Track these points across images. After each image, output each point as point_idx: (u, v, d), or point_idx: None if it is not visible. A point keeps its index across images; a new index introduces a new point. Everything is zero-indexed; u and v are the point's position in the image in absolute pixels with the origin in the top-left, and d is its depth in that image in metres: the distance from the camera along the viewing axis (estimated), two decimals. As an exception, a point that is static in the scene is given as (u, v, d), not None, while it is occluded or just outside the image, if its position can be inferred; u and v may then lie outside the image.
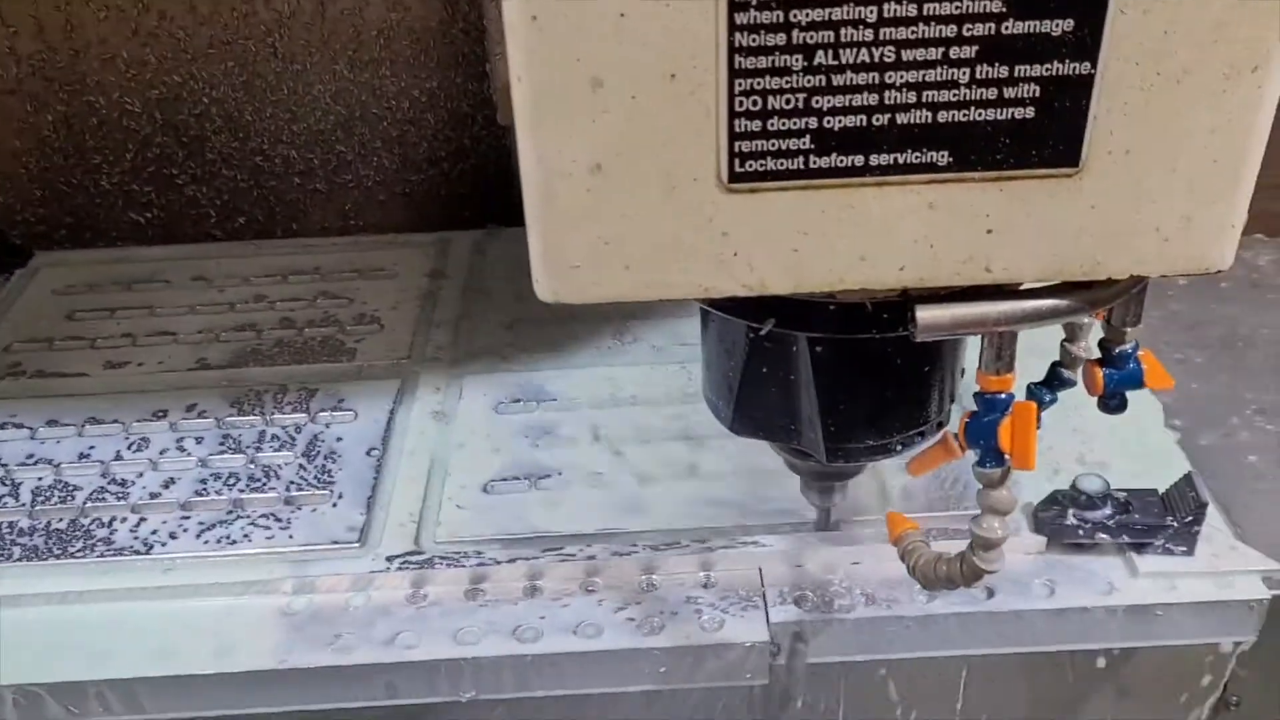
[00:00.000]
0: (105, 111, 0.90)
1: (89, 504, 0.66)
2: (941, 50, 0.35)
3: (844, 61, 0.35)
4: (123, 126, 0.91)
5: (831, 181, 0.37)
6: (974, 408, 0.44)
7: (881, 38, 0.35)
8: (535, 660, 0.56)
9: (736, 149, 0.36)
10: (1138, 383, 0.45)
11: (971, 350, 0.45)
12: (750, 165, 0.36)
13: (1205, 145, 0.36)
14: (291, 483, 0.67)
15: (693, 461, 0.67)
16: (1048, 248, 0.38)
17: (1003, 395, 0.43)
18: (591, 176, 0.37)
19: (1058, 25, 0.34)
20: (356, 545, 0.62)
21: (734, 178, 0.37)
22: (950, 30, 0.34)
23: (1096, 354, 0.46)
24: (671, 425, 0.70)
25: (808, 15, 0.34)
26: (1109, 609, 0.57)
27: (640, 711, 0.59)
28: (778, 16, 0.34)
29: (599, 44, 0.34)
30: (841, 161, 0.37)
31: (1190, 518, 0.58)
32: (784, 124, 0.36)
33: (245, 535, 0.63)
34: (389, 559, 0.61)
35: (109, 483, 0.67)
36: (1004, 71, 0.35)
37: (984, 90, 0.35)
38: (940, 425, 0.50)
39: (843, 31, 0.35)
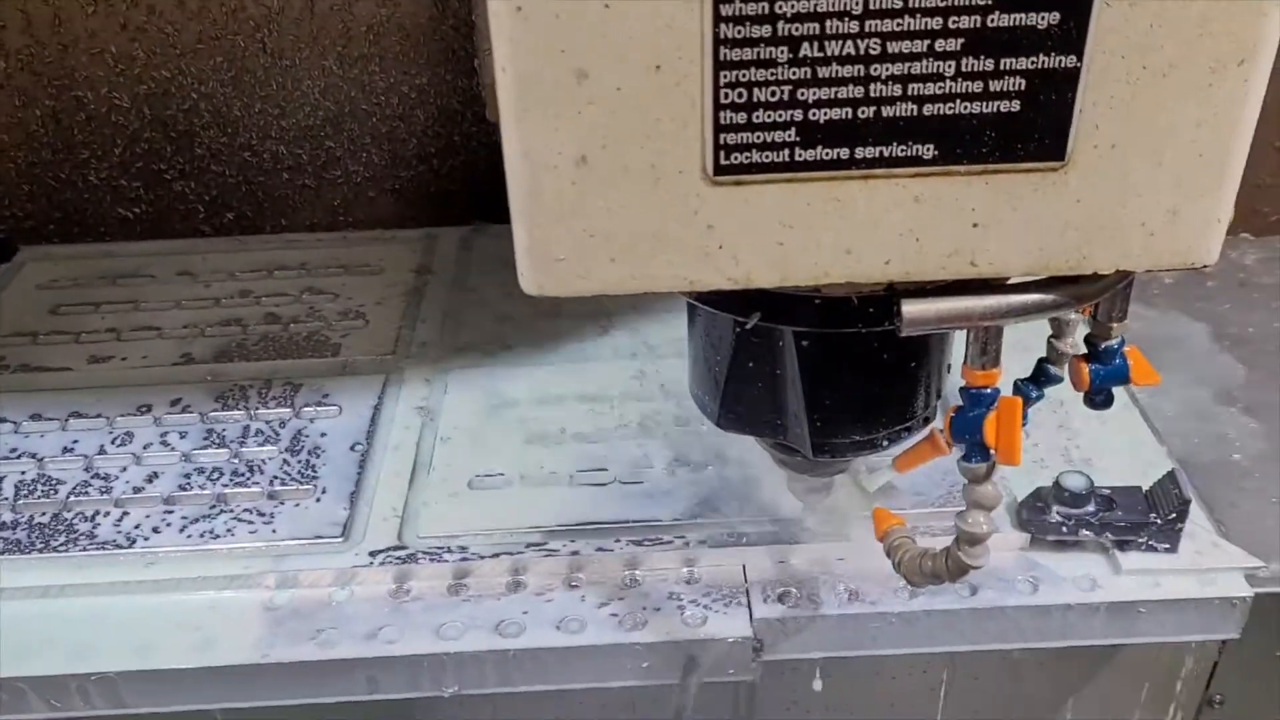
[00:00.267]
0: (93, 106, 0.90)
1: (72, 498, 0.65)
2: (927, 43, 0.35)
3: (829, 54, 0.35)
4: (111, 121, 0.91)
5: (817, 174, 0.37)
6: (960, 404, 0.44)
7: (867, 30, 0.34)
8: (518, 655, 0.56)
9: (721, 141, 0.36)
10: (1124, 378, 0.45)
11: (958, 346, 0.45)
12: (735, 158, 0.36)
13: (1191, 139, 0.36)
14: (275, 477, 0.66)
15: (678, 457, 0.67)
16: (1033, 242, 0.38)
17: (988, 390, 0.43)
18: (576, 169, 0.36)
19: (1043, 18, 0.34)
20: (340, 540, 0.62)
21: (719, 170, 0.37)
22: (936, 23, 0.34)
23: (1083, 350, 0.46)
24: (657, 421, 0.70)
25: (793, 7, 0.34)
26: (1092, 606, 0.57)
27: (624, 707, 0.59)
28: (763, 8, 0.34)
29: (584, 35, 0.34)
30: (827, 154, 0.36)
31: (1174, 515, 0.58)
32: (769, 116, 0.36)
33: (228, 530, 0.63)
34: (372, 554, 0.61)
35: (92, 477, 0.67)
36: (990, 65, 0.35)
37: (970, 83, 0.35)
38: (927, 421, 0.50)
39: (828, 23, 0.34)
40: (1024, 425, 0.43)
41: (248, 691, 0.57)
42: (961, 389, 0.43)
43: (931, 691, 0.61)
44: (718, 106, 0.35)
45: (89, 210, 0.94)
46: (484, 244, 0.92)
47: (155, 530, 0.63)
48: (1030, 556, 0.60)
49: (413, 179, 0.95)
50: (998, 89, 0.35)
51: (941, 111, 0.36)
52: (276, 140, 0.92)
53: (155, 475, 0.67)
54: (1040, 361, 0.48)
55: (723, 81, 0.35)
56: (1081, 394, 0.47)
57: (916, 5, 0.34)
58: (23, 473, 0.68)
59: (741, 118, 0.36)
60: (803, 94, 0.35)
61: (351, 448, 0.69)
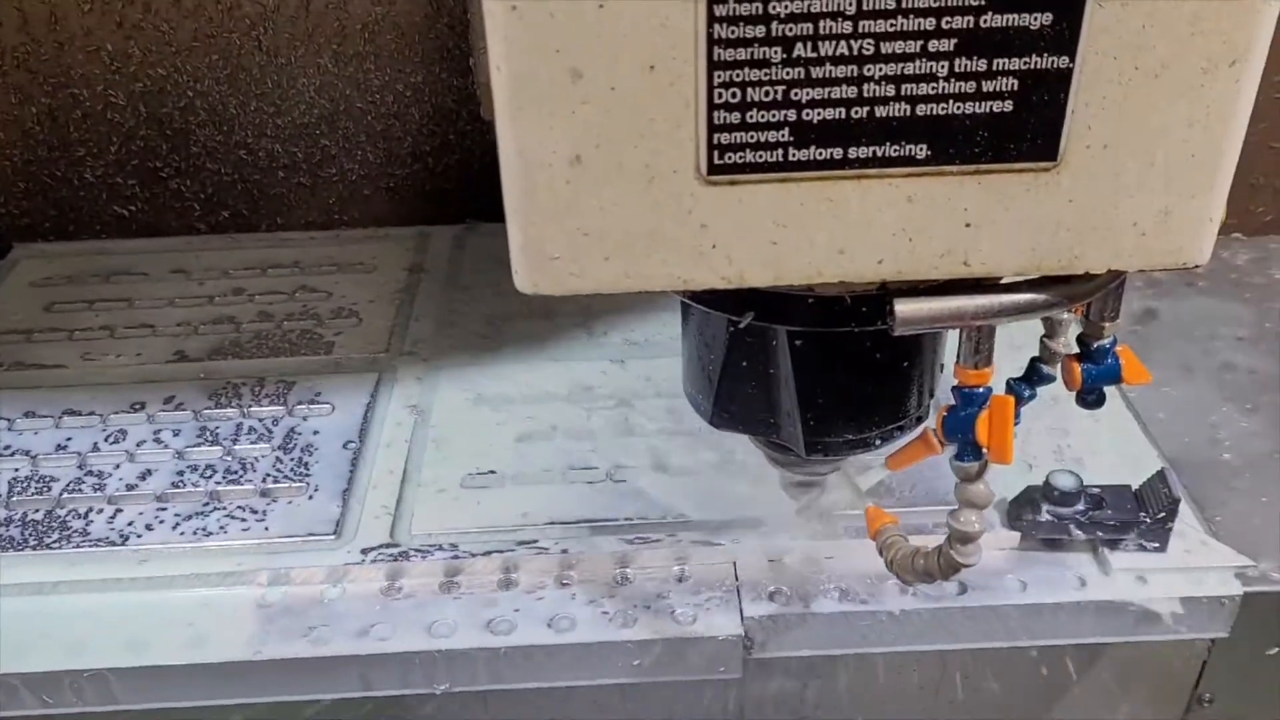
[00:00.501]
0: (89, 104, 0.90)
1: (65, 495, 0.65)
2: (920, 43, 0.35)
3: (823, 54, 0.35)
4: (107, 119, 0.91)
5: (810, 174, 0.37)
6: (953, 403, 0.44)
7: (860, 30, 0.35)
8: (509, 653, 0.56)
9: (715, 141, 0.36)
10: (1116, 378, 0.45)
11: (951, 346, 0.45)
12: (729, 157, 0.36)
13: (1183, 139, 0.36)
14: (268, 475, 0.66)
15: (669, 456, 0.67)
16: (1026, 241, 0.38)
17: (981, 389, 0.43)
18: (571, 168, 0.37)
19: (1036, 19, 0.34)
20: (332, 538, 0.62)
21: (713, 170, 0.37)
22: (929, 23, 0.34)
23: (1075, 349, 0.46)
24: (649, 419, 0.70)
25: (787, 7, 0.34)
26: (1081, 605, 0.58)
27: (615, 705, 0.59)
28: (757, 8, 0.34)
29: (578, 34, 0.34)
30: (820, 154, 0.37)
31: (1163, 514, 0.58)
32: (763, 116, 0.36)
33: (221, 527, 0.63)
34: (364, 551, 0.61)
35: (86, 474, 0.67)
36: (982, 65, 0.35)
37: (962, 83, 0.35)
38: (919, 420, 0.50)
39: (822, 24, 0.35)
40: (1016, 424, 0.43)
41: (240, 688, 0.57)
42: (954, 388, 0.44)
43: (921, 690, 0.61)
44: (711, 106, 0.36)
45: (84, 208, 0.94)
46: (477, 242, 0.92)
47: (148, 527, 0.63)
48: (1020, 555, 0.60)
49: (408, 177, 0.95)
50: (990, 89, 0.35)
51: (934, 112, 0.36)
52: (272, 138, 0.92)
53: (148, 472, 0.67)
54: (1033, 361, 0.48)
55: (717, 81, 0.35)
56: (1074, 393, 0.47)
57: (909, 6, 0.34)
58: (16, 470, 0.67)
59: (735, 117, 0.36)
60: (796, 94, 0.36)
61: (344, 445, 0.69)
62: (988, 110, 0.36)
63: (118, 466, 0.68)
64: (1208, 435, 0.68)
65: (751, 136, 0.36)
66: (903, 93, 0.36)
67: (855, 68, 0.35)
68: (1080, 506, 0.59)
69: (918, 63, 0.35)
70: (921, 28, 0.35)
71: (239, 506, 0.64)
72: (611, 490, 0.65)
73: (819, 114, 0.36)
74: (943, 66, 0.35)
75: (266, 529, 0.63)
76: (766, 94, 0.36)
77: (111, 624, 0.58)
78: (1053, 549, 0.60)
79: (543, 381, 0.75)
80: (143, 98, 0.90)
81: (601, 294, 0.39)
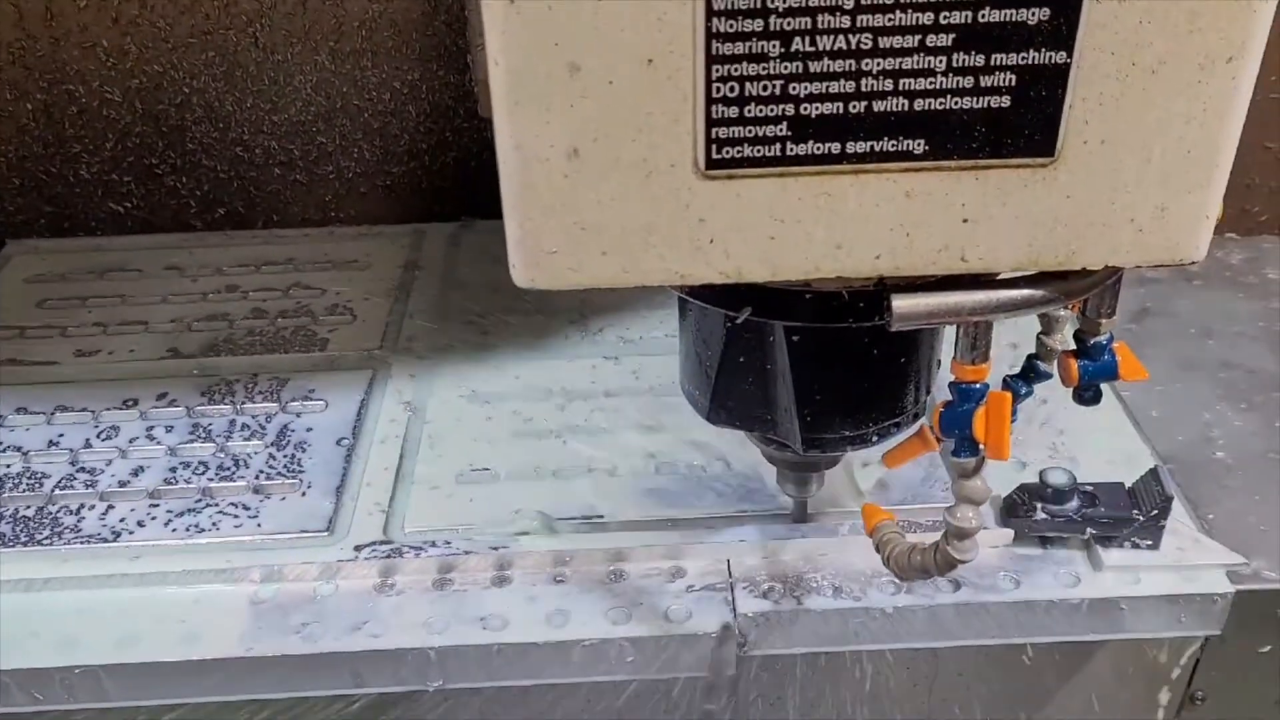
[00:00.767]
0: (85, 100, 0.90)
1: (57, 491, 0.65)
2: (918, 38, 0.35)
3: (821, 49, 0.35)
4: (103, 116, 0.90)
5: (808, 169, 0.37)
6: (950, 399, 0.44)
7: (858, 25, 0.35)
8: (502, 650, 0.56)
9: (713, 135, 0.36)
10: (1112, 374, 0.45)
11: (948, 343, 0.45)
12: (727, 152, 0.36)
13: (1180, 136, 0.36)
14: (261, 472, 0.66)
15: (664, 452, 0.67)
16: (1023, 237, 0.38)
17: (978, 385, 0.43)
18: (568, 162, 0.37)
19: (1034, 14, 0.34)
20: (325, 534, 0.62)
21: (711, 164, 0.37)
22: (927, 18, 0.34)
23: (1072, 346, 0.46)
24: (643, 416, 0.70)
25: (785, 2, 0.34)
26: (1074, 602, 0.58)
27: (608, 701, 0.59)
28: (755, 3, 0.34)
29: (576, 28, 0.34)
30: (818, 149, 0.37)
31: (1156, 512, 0.58)
32: (761, 111, 0.36)
33: (214, 524, 0.63)
34: (357, 548, 0.61)
35: (78, 470, 0.67)
36: (980, 60, 0.35)
37: (960, 79, 0.35)
38: (917, 417, 0.50)
39: (820, 18, 0.35)
40: (1013, 420, 0.43)
41: (232, 685, 0.57)
42: (951, 384, 0.44)
43: (915, 687, 0.61)
44: (709, 100, 0.36)
45: (80, 205, 0.94)
46: (471, 240, 0.92)
47: (140, 524, 0.63)
48: (1013, 552, 0.60)
49: (404, 174, 0.95)
50: (988, 85, 0.35)
51: (932, 107, 0.36)
52: (268, 135, 0.92)
53: (141, 469, 0.67)
54: (1029, 357, 0.48)
55: (715, 75, 0.35)
56: (1070, 390, 0.47)
57: (907, 1, 0.34)
58: (8, 466, 0.67)
59: (733, 112, 0.36)
60: (794, 88, 0.36)
61: (337, 442, 0.69)
62: (985, 106, 0.36)
63: (110, 463, 0.67)
64: (1201, 433, 0.68)
65: (749, 131, 0.36)
66: (900, 88, 0.36)
67: (853, 62, 0.35)
68: (1074, 504, 0.59)
69: (915, 58, 0.35)
70: (919, 23, 0.35)
71: (232, 503, 0.64)
72: (606, 487, 0.65)
73: (817, 109, 0.36)
74: (940, 62, 0.35)
75: (259, 525, 0.63)
76: (764, 88, 0.36)
77: (103, 620, 0.58)
78: (1046, 546, 0.60)
79: (537, 378, 0.74)
80: (139, 94, 0.90)
81: (598, 290, 0.39)
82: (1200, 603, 0.58)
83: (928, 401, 0.50)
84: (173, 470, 0.67)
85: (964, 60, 0.35)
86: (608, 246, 0.38)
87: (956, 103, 0.36)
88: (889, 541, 0.49)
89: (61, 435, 0.70)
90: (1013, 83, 0.35)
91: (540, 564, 0.60)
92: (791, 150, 0.36)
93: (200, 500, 0.64)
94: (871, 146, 0.36)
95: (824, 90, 0.36)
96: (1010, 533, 0.60)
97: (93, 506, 0.64)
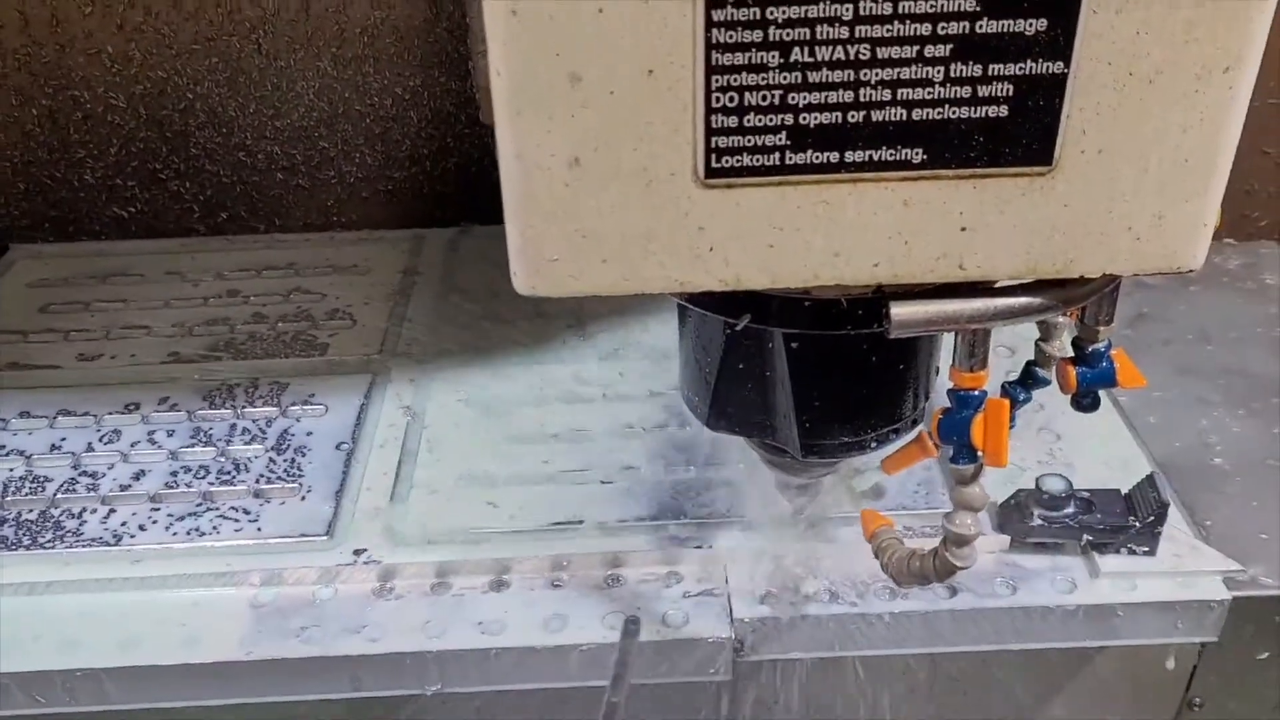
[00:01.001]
0: (89, 106, 0.90)
1: (59, 495, 0.65)
2: (916, 49, 0.35)
3: (820, 59, 0.35)
4: (107, 121, 0.91)
5: (807, 178, 0.37)
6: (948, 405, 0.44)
7: (857, 35, 0.35)
8: (500, 654, 0.56)
9: (713, 144, 0.36)
10: (1111, 382, 0.45)
11: (946, 349, 0.46)
12: (726, 161, 0.37)
13: (1177, 145, 0.36)
14: (261, 476, 0.66)
15: (662, 457, 0.67)
16: (1021, 245, 0.38)
17: (976, 392, 0.43)
18: (569, 170, 0.37)
19: (1031, 25, 0.34)
20: (324, 538, 0.62)
21: (710, 173, 0.37)
22: (925, 29, 0.35)
23: (1070, 353, 0.46)
24: (641, 421, 0.70)
25: (784, 13, 0.34)
26: (1071, 608, 0.58)
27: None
28: (754, 14, 0.34)
29: (578, 38, 0.34)
30: (817, 158, 0.37)
31: (1152, 518, 0.58)
32: (760, 120, 0.36)
33: (214, 527, 0.63)
34: (356, 552, 0.61)
35: (80, 474, 0.67)
36: (978, 70, 0.35)
37: (958, 89, 0.35)
38: (915, 423, 0.50)
39: (818, 29, 0.35)
40: (1011, 427, 0.43)
41: (232, 688, 0.57)
42: (950, 390, 0.44)
43: (912, 693, 0.61)
44: (709, 110, 0.36)
45: (84, 209, 0.94)
46: (471, 245, 0.92)
47: (141, 528, 0.63)
48: (1009, 558, 0.60)
49: (406, 180, 0.95)
50: (986, 94, 0.36)
51: (930, 116, 0.36)
52: (271, 141, 0.92)
53: (142, 473, 0.67)
54: (1028, 364, 0.48)
55: (714, 85, 0.35)
56: (1068, 397, 0.47)
57: (906, 11, 0.34)
58: (10, 470, 0.68)
59: (733, 121, 0.36)
60: (793, 98, 0.36)
61: (337, 447, 0.69)
62: (983, 115, 0.36)
63: (112, 467, 0.68)
64: (1198, 439, 0.69)
65: (749, 140, 0.36)
66: (899, 97, 0.36)
67: (852, 72, 0.35)
68: (1070, 510, 0.59)
69: (914, 68, 0.35)
70: (918, 33, 0.35)
71: (232, 507, 0.64)
72: (604, 491, 0.65)
73: (816, 118, 0.36)
74: (938, 71, 0.35)
75: (259, 529, 0.63)
76: (764, 98, 0.36)
77: (104, 624, 0.58)
78: (1042, 552, 0.60)
79: (535, 383, 0.75)
80: (143, 100, 0.90)
81: (598, 296, 0.39)
82: (1197, 609, 0.58)
83: (926, 408, 0.50)
84: (174, 474, 0.67)
85: (962, 70, 0.35)
86: (608, 254, 0.38)
87: (954, 112, 0.36)
88: (887, 548, 0.49)
89: (64, 439, 0.70)
90: (1010, 93, 0.35)
91: (538, 568, 0.60)
92: (790, 159, 0.37)
93: (201, 504, 0.65)
94: (870, 156, 0.37)
95: (823, 100, 0.36)
96: (1006, 539, 0.60)
97: (94, 510, 0.64)
